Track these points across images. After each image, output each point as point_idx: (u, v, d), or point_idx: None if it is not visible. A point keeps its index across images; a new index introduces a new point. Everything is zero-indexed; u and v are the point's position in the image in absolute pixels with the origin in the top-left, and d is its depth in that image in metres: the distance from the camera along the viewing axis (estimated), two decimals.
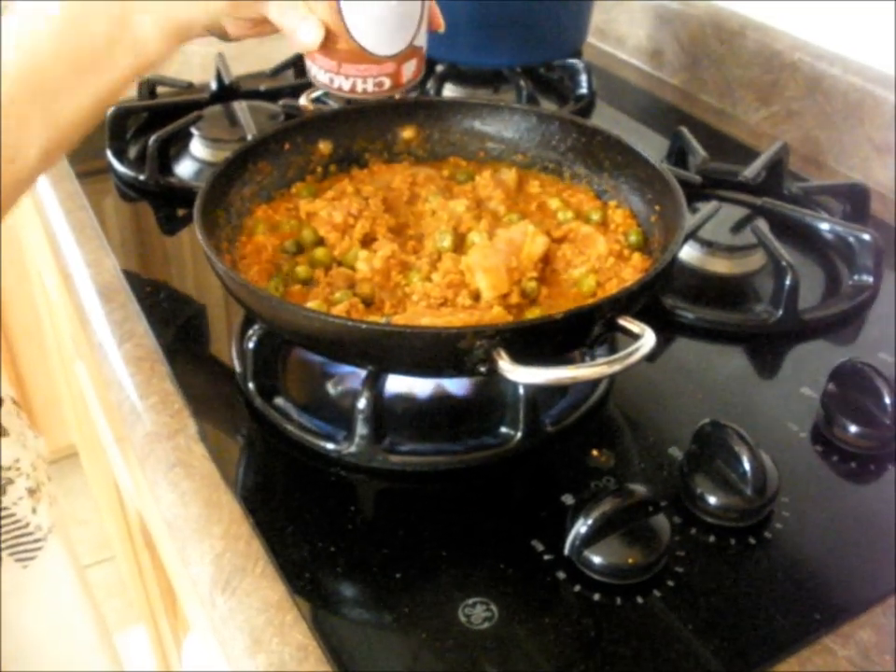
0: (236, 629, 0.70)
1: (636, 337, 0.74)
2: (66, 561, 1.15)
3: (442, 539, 0.76)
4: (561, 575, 0.72)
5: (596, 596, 0.71)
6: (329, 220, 0.94)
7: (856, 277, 1.05)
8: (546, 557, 0.73)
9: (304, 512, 0.78)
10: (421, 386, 0.87)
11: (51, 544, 1.10)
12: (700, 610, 0.70)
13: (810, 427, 0.86)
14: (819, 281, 1.06)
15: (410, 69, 0.90)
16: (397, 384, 0.86)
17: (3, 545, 1.03)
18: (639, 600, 0.70)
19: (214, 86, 1.44)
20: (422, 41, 0.90)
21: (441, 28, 0.91)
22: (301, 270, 0.89)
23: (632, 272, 0.88)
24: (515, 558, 0.74)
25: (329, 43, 0.85)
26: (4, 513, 1.03)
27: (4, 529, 1.04)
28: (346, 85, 0.88)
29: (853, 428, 0.83)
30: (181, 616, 1.45)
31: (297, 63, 1.54)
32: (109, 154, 1.29)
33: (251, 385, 0.88)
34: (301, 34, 0.84)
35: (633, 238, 0.93)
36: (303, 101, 1.09)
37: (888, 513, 0.78)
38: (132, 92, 1.44)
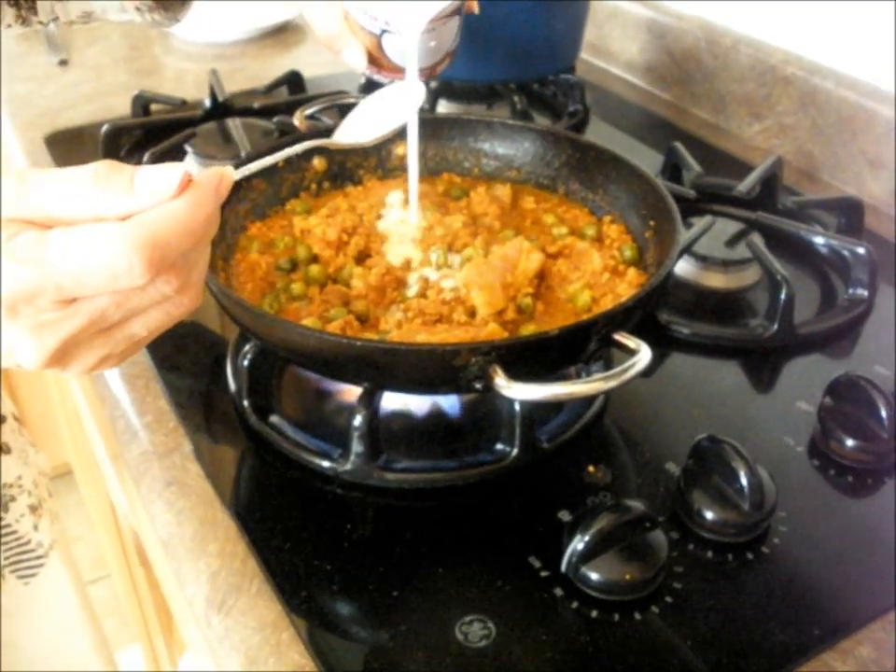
0: (232, 648, 0.70)
1: (631, 353, 0.74)
2: (67, 578, 1.15)
3: (439, 557, 0.75)
4: (558, 591, 0.72)
5: (594, 613, 0.70)
6: (324, 237, 0.94)
7: (851, 291, 1.05)
8: (543, 574, 0.73)
9: (300, 530, 0.78)
10: (417, 403, 0.87)
11: (52, 561, 1.10)
12: (698, 626, 0.70)
13: (807, 441, 0.86)
14: (814, 295, 1.06)
15: (444, 64, 0.95)
16: (392, 401, 0.86)
17: (4, 562, 1.03)
18: (637, 616, 0.70)
19: (208, 103, 1.44)
20: (456, 42, 0.94)
21: (475, 10, 0.95)
22: (296, 287, 0.89)
23: (627, 287, 0.88)
24: (512, 575, 0.73)
25: (372, 61, 0.92)
26: (6, 530, 1.03)
27: (5, 546, 1.03)
28: (386, 80, 0.94)
29: (850, 442, 0.83)
30: (177, 635, 1.45)
31: (290, 81, 1.54)
32: None
33: (246, 403, 0.88)
34: (347, 59, 0.91)
35: (628, 253, 0.92)
36: (297, 118, 1.09)
37: (886, 527, 0.78)
38: (126, 110, 1.45)
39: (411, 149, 0.92)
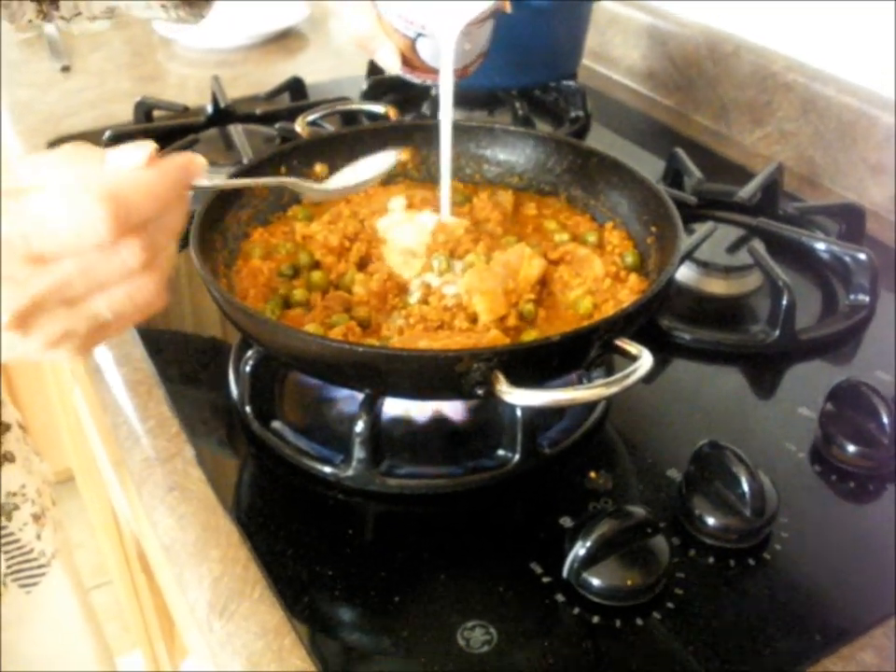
0: (234, 654, 0.70)
1: (633, 358, 0.74)
2: (69, 586, 1.14)
3: (440, 562, 0.75)
4: (560, 597, 0.72)
5: (596, 619, 0.70)
6: (326, 244, 0.94)
7: (852, 297, 1.05)
8: (545, 580, 0.73)
9: (302, 536, 0.78)
10: (418, 409, 0.87)
11: (55, 570, 1.10)
12: (700, 632, 0.70)
13: (808, 447, 0.86)
14: (815, 301, 1.06)
15: (476, 65, 0.96)
16: (394, 407, 0.86)
17: (6, 570, 1.03)
18: (639, 622, 0.70)
19: (210, 109, 1.44)
20: (489, 44, 0.96)
21: (508, 9, 0.94)
22: (298, 293, 0.89)
23: (628, 293, 0.88)
24: (514, 581, 0.73)
25: (405, 62, 0.93)
26: (8, 539, 1.03)
27: (8, 555, 1.03)
28: (418, 80, 0.96)
29: (851, 448, 0.83)
30: (178, 640, 1.45)
31: (292, 87, 1.54)
32: None
33: (248, 409, 0.88)
34: (381, 60, 0.92)
35: (629, 259, 0.93)
36: (299, 124, 1.09)
37: (887, 533, 0.78)
38: (128, 116, 1.45)
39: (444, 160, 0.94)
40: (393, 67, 0.92)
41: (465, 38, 0.89)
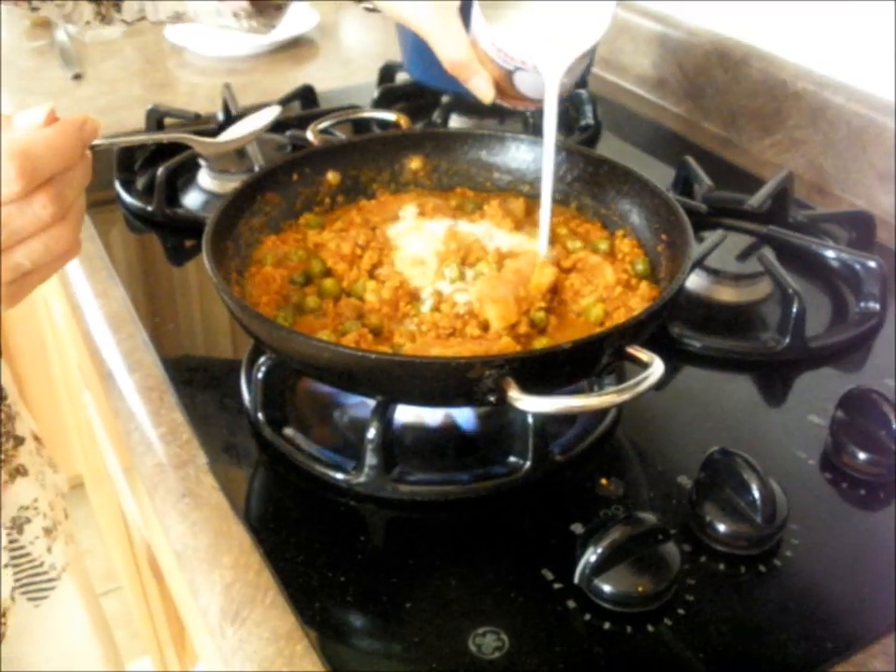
0: (246, 660, 0.70)
1: (644, 366, 0.74)
2: (79, 598, 1.14)
3: (452, 569, 0.76)
4: (571, 604, 0.72)
5: (607, 625, 0.70)
6: (338, 251, 0.94)
7: (862, 304, 1.05)
8: (556, 586, 0.73)
9: (314, 542, 0.78)
10: (430, 416, 0.88)
11: (65, 583, 1.10)
12: (711, 639, 0.70)
13: (819, 454, 0.86)
14: (825, 308, 1.07)
15: (567, 90, 0.94)
16: (406, 413, 0.86)
17: (16, 584, 1.03)
18: (650, 629, 0.70)
19: (221, 117, 1.45)
20: (586, 73, 0.93)
21: None
22: (310, 300, 0.89)
23: (639, 301, 0.88)
24: (525, 587, 0.74)
25: (500, 90, 0.92)
26: (19, 552, 1.03)
27: (18, 568, 1.03)
28: (510, 106, 0.96)
29: (862, 455, 0.83)
30: (189, 647, 1.45)
31: (303, 95, 1.55)
32: (117, 185, 1.30)
33: (260, 416, 0.88)
34: (475, 89, 0.91)
35: (640, 267, 0.93)
36: (310, 132, 1.10)
37: None
38: (140, 124, 1.45)
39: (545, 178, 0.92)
40: (487, 97, 0.90)
41: (567, 73, 0.87)
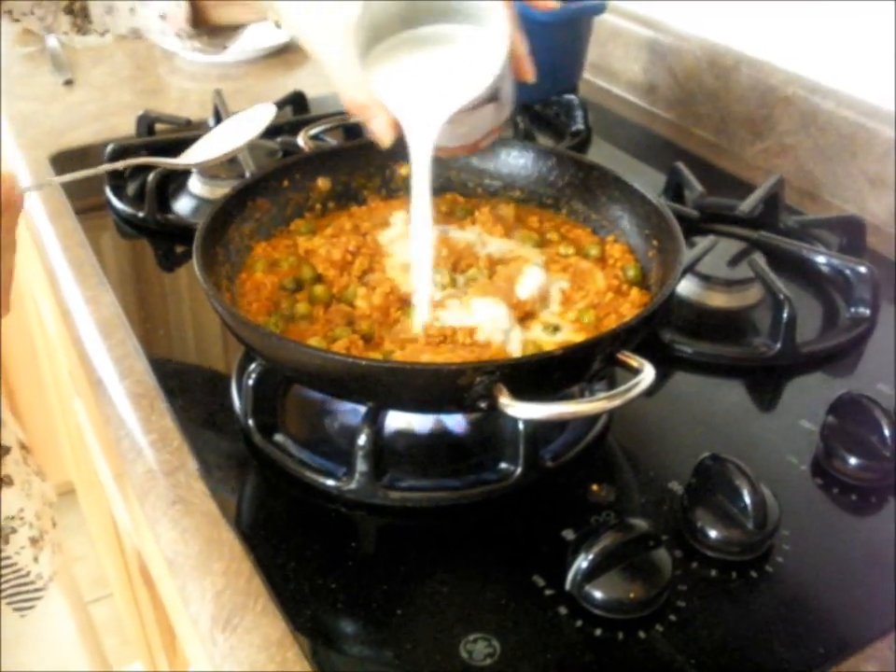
0: (237, 667, 0.70)
1: (635, 372, 0.74)
2: (66, 607, 1.14)
3: (443, 575, 0.75)
4: (562, 610, 0.72)
5: (598, 632, 0.70)
6: (328, 257, 0.94)
7: (853, 310, 1.05)
8: (547, 592, 0.73)
9: (305, 549, 0.78)
10: (421, 423, 0.87)
11: (52, 592, 1.10)
12: (703, 645, 0.70)
13: (810, 459, 0.86)
14: (816, 314, 1.07)
15: (491, 138, 0.91)
16: (397, 420, 0.86)
17: (2, 595, 1.03)
18: (641, 635, 0.70)
19: (212, 123, 1.45)
20: (504, 117, 0.89)
21: (530, 77, 0.87)
22: (301, 307, 0.89)
23: (630, 307, 0.88)
24: (516, 594, 0.73)
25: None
26: (5, 563, 1.03)
27: (4, 579, 1.03)
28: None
29: (853, 461, 0.83)
30: (180, 654, 1.45)
31: (294, 101, 1.55)
32: (108, 191, 1.30)
33: (251, 422, 0.88)
34: (374, 132, 0.86)
35: (631, 273, 0.93)
36: (302, 138, 1.10)
37: (890, 545, 0.78)
38: (130, 129, 1.45)
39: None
40: (383, 141, 0.85)
41: (457, 125, 0.83)
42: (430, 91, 0.82)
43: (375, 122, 0.84)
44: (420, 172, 0.84)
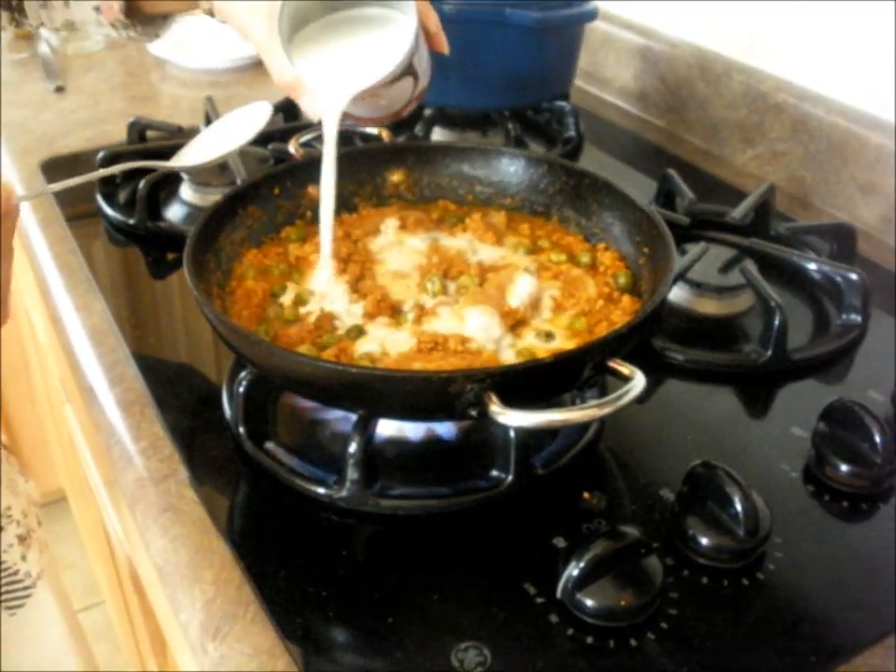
0: None
1: (626, 379, 0.74)
2: (55, 608, 1.14)
3: (434, 583, 0.75)
4: (554, 618, 0.72)
5: (590, 639, 0.70)
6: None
7: (844, 316, 1.05)
8: (538, 600, 0.73)
9: (296, 557, 0.77)
10: (412, 430, 0.87)
11: (40, 591, 1.09)
12: (694, 652, 0.69)
13: (801, 466, 0.86)
14: (807, 321, 1.07)
15: (410, 106, 0.99)
16: (388, 428, 0.86)
17: None
18: (633, 643, 0.70)
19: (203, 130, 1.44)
20: (419, 89, 0.96)
21: (444, 49, 0.96)
22: (288, 312, 0.89)
23: (621, 314, 0.88)
24: (508, 602, 0.73)
25: None
26: None
27: None
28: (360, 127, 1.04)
29: (844, 468, 0.83)
30: (171, 662, 1.44)
31: (285, 108, 1.54)
32: (99, 198, 1.30)
33: (242, 430, 0.88)
34: (303, 107, 0.95)
35: (622, 280, 0.93)
36: (292, 145, 1.10)
37: (881, 552, 0.78)
38: (122, 136, 1.45)
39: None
40: (312, 116, 0.94)
41: (379, 97, 0.92)
42: (346, 69, 0.91)
43: (302, 100, 0.94)
44: (329, 140, 0.92)
